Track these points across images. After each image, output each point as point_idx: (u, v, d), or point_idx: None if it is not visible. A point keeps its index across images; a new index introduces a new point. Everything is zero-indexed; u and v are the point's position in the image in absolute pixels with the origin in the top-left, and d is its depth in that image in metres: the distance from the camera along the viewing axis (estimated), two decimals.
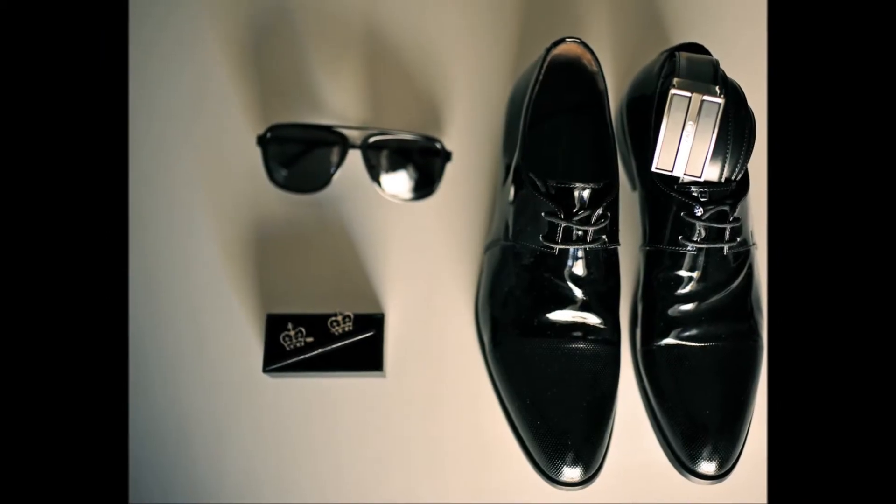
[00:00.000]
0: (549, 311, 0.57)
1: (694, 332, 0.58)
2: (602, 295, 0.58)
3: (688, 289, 0.58)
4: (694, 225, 0.55)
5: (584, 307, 0.57)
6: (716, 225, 0.55)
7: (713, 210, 0.55)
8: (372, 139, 0.67)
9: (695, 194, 0.55)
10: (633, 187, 0.66)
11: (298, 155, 0.68)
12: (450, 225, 0.68)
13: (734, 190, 0.55)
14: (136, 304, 0.66)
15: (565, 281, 0.57)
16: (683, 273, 0.57)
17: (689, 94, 0.51)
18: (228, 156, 0.70)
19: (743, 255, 0.58)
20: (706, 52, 0.60)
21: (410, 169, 0.68)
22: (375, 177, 0.67)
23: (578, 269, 0.56)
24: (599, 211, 0.55)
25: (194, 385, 0.64)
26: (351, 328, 0.61)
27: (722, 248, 0.56)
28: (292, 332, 0.61)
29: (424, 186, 0.68)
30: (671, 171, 0.53)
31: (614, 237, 0.57)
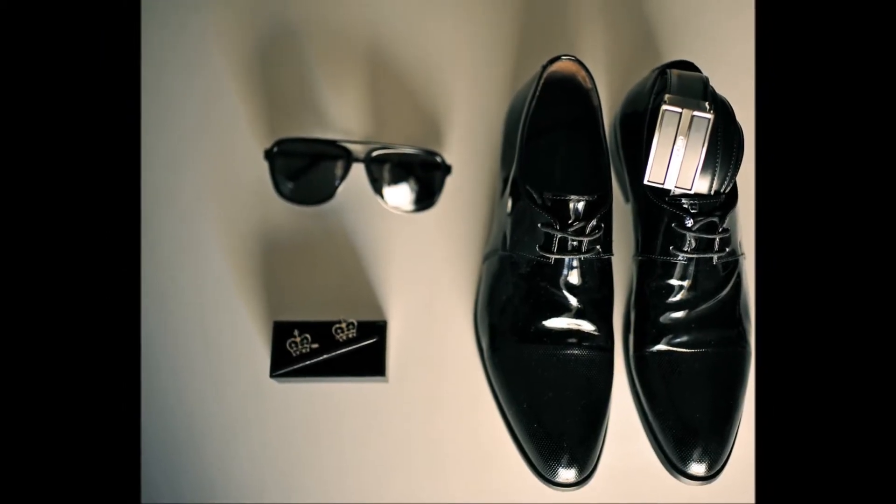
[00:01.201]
0: (546, 319, 0.58)
1: (684, 338, 0.59)
2: (596, 303, 0.58)
3: (679, 297, 0.58)
4: (684, 236, 0.56)
5: (579, 315, 0.58)
6: (705, 236, 0.55)
7: (703, 221, 0.55)
8: (375, 153, 0.67)
9: (685, 206, 0.55)
10: (627, 199, 0.67)
11: (304, 168, 0.68)
12: (450, 235, 0.69)
13: (723, 202, 0.56)
14: (149, 312, 0.66)
15: (561, 289, 0.57)
16: (674, 282, 0.58)
17: (679, 109, 0.52)
18: (236, 169, 0.70)
19: (732, 264, 0.58)
20: (696, 69, 0.60)
21: (412, 182, 0.68)
22: (378, 189, 0.68)
23: (573, 278, 0.57)
24: (594, 222, 0.55)
25: (204, 389, 0.65)
26: (355, 335, 0.62)
27: (711, 258, 0.56)
28: (298, 339, 0.61)
29: (425, 198, 0.69)
30: (663, 184, 0.54)
31: (608, 247, 0.57)
